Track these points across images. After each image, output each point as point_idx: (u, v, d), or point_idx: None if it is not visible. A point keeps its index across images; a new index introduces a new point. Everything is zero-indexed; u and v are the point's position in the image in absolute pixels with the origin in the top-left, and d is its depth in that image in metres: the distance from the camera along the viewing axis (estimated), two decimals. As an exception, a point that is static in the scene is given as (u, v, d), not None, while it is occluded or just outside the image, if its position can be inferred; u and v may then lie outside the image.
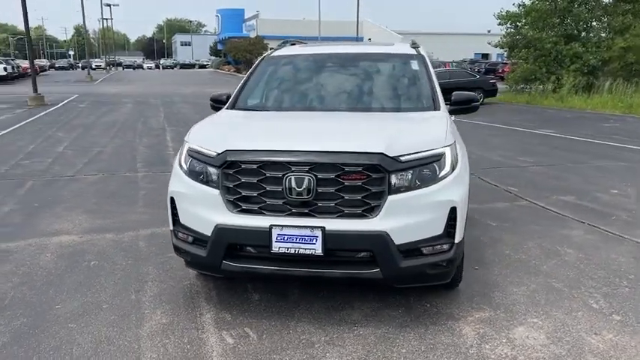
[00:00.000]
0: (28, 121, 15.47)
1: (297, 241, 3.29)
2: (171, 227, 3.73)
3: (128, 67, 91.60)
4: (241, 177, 3.39)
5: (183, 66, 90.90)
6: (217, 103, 4.83)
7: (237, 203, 3.41)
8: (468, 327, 3.53)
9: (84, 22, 55.44)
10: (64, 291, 4.08)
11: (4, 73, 37.73)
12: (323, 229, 3.24)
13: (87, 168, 8.85)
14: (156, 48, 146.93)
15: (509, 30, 24.76)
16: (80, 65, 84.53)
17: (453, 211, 3.38)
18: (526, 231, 5.46)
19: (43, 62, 68.77)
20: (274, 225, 3.29)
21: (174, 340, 3.36)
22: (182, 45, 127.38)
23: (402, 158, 3.31)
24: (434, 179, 3.39)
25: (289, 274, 3.43)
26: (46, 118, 16.19)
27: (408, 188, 3.32)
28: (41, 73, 56.54)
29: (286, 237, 3.29)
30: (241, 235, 3.38)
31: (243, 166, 3.38)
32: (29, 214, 6.15)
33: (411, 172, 3.34)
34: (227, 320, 3.61)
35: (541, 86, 23.66)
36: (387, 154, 3.28)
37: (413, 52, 4.89)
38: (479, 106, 4.69)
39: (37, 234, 5.41)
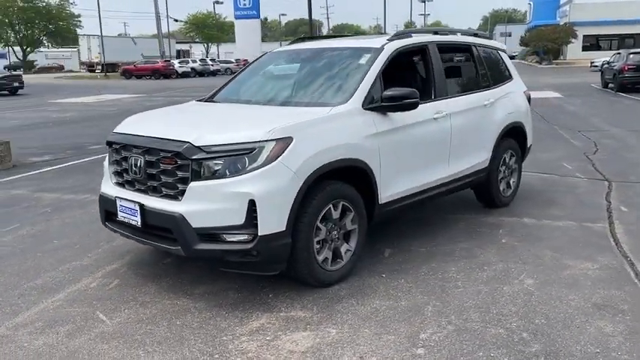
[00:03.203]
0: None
1: (127, 212, 3.90)
2: None
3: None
4: (114, 155, 4.13)
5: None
6: None
7: (114, 176, 4.16)
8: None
9: (410, 17, 59.38)
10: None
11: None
12: (141, 205, 3.76)
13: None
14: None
15: None
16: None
17: (252, 204, 3.45)
18: None
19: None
20: (117, 197, 3.96)
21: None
22: (501, 36, 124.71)
23: (207, 148, 3.54)
24: (239, 171, 3.52)
25: (131, 239, 4.02)
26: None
27: (212, 177, 3.55)
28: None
29: (123, 208, 3.93)
30: (106, 203, 4.12)
31: (113, 145, 4.10)
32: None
33: (217, 161, 3.55)
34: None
35: None
36: (193, 143, 3.57)
37: (375, 45, 4.66)
38: (417, 103, 4.27)
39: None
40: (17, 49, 66.41)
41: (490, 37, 6.18)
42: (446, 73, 5.14)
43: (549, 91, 22.66)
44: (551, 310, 3.59)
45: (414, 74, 5.42)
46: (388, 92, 4.23)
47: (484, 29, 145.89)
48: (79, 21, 67.03)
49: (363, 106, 4.18)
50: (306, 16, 35.97)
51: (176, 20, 54.94)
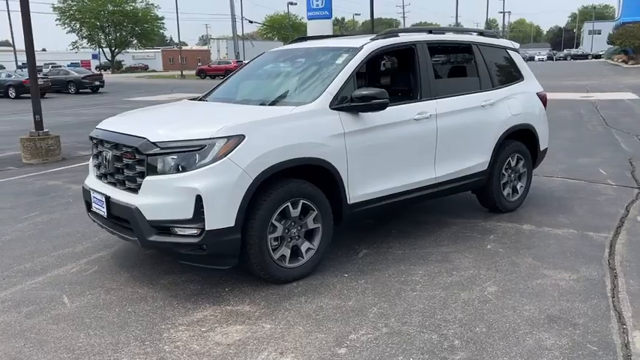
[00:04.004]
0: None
1: (98, 203, 4.15)
2: None
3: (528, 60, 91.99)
4: (93, 149, 4.40)
5: (575, 56, 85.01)
6: None
7: (94, 170, 4.42)
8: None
9: (487, 15, 58.05)
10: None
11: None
12: (107, 197, 3.99)
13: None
14: (564, 38, 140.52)
15: None
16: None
17: (199, 199, 3.58)
18: None
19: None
20: (91, 189, 4.21)
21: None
22: (589, 34, 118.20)
23: (162, 144, 3.71)
24: (189, 167, 3.66)
25: (104, 229, 4.25)
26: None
27: (165, 172, 3.70)
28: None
29: (95, 199, 4.19)
30: (86, 195, 4.39)
31: (93, 140, 4.37)
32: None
33: (170, 157, 3.70)
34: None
35: None
36: (149, 139, 3.75)
37: (355, 45, 4.65)
38: (386, 103, 4.22)
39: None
40: (107, 50, 70.57)
41: (497, 36, 5.94)
42: (437, 73, 5.04)
43: (626, 92, 21.28)
44: (498, 320, 3.46)
45: (398, 74, 5.33)
46: (357, 92, 4.22)
47: (572, 27, 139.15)
48: (162, 23, 70.21)
49: (330, 106, 4.19)
50: (383, 16, 35.84)
51: (251, 22, 56.36)
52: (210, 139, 3.67)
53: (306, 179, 4.08)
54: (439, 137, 4.87)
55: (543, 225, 5.37)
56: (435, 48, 5.10)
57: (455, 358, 3.04)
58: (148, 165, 3.75)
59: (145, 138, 3.78)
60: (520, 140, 5.77)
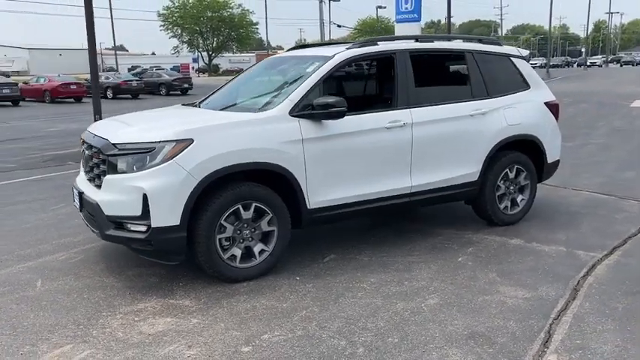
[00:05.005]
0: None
1: (75, 198, 4.54)
2: None
3: (627, 63, 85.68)
4: (82, 150, 4.81)
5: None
6: None
7: (82, 168, 4.85)
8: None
9: (588, 16, 55.07)
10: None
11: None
12: (80, 192, 4.37)
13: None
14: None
15: None
16: (576, 62, 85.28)
17: (146, 198, 3.85)
18: None
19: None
20: (73, 186, 4.62)
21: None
22: None
23: (120, 146, 4.03)
24: (141, 167, 3.94)
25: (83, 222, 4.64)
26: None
27: (121, 171, 4.01)
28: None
29: (74, 195, 4.57)
30: (73, 191, 4.81)
31: (81, 141, 4.78)
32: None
33: (125, 158, 4.01)
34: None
35: None
36: (110, 140, 4.08)
37: (327, 54, 4.72)
38: (344, 112, 4.27)
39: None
40: (205, 54, 74.23)
41: (498, 43, 5.73)
42: (420, 81, 4.98)
43: None
44: (417, 332, 3.42)
45: (375, 82, 5.32)
46: (317, 100, 4.32)
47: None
48: (257, 28, 72.82)
49: (290, 113, 4.32)
50: (482, 17, 34.91)
51: (339, 26, 56.90)
52: (159, 142, 3.93)
53: (264, 183, 4.24)
54: (415, 146, 4.83)
55: (534, 240, 5.14)
56: (419, 56, 5.05)
57: (349, 366, 3.07)
58: (109, 164, 4.08)
59: (107, 139, 4.12)
60: (521, 151, 5.55)
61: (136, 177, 3.92)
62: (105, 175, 4.10)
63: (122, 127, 4.46)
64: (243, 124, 4.22)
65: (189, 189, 3.91)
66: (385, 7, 60.11)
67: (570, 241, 5.10)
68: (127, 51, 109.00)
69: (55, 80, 29.16)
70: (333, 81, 5.27)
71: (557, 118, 5.91)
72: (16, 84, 27.28)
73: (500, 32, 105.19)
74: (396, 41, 5.12)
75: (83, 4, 10.30)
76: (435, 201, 5.22)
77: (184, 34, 68.73)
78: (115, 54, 50.59)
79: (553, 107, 5.84)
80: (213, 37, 72.39)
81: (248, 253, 4.27)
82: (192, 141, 3.95)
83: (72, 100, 29.29)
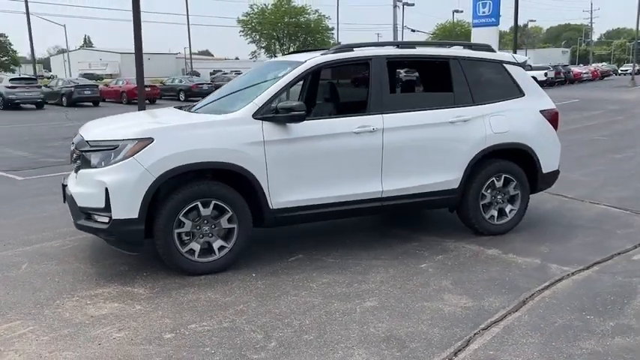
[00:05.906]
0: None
1: (63, 191, 4.92)
2: None
3: None
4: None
5: None
6: None
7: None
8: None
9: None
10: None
11: (544, 78, 40.86)
12: (64, 185, 4.76)
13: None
14: None
15: None
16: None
17: (107, 192, 4.17)
18: None
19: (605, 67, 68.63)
20: (63, 179, 5.04)
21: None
22: None
23: (92, 143, 4.38)
24: (106, 163, 4.26)
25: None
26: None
27: (91, 166, 4.35)
28: (604, 79, 56.97)
29: (62, 188, 4.98)
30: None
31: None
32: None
33: (96, 154, 4.34)
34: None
35: None
36: (84, 138, 4.44)
37: (300, 60, 4.85)
38: (303, 115, 4.39)
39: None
40: (281, 58, 76.04)
41: (491, 50, 5.59)
42: (396, 87, 5.01)
43: None
44: (335, 331, 3.49)
45: (349, 88, 5.37)
46: (280, 104, 4.47)
47: None
48: (332, 34, 73.56)
49: (254, 116, 4.50)
50: (571, 22, 33.72)
51: (413, 30, 56.30)
52: (123, 140, 4.24)
53: (231, 183, 4.45)
54: (386, 151, 4.85)
55: (512, 252, 5.01)
56: (398, 63, 5.08)
57: (253, 357, 3.20)
58: (82, 159, 4.44)
59: (82, 137, 4.49)
60: (510, 160, 5.42)
61: (101, 172, 4.24)
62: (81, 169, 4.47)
63: (99, 125, 4.83)
64: (205, 125, 4.45)
65: (146, 185, 4.17)
66: (462, 11, 58.74)
67: (550, 255, 4.93)
68: (212, 56, 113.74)
69: (132, 83, 30.94)
70: (311, 86, 5.40)
71: (556, 127, 5.70)
72: (97, 86, 29.31)
73: (590, 36, 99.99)
74: (374, 47, 5.16)
75: (131, 8, 11.00)
76: (410, 207, 5.21)
77: (262, 39, 70.71)
78: (191, 58, 52.95)
79: (551, 116, 5.65)
80: (290, 42, 73.95)
81: (209, 249, 4.48)
82: (152, 140, 4.22)
83: (147, 101, 30.96)
